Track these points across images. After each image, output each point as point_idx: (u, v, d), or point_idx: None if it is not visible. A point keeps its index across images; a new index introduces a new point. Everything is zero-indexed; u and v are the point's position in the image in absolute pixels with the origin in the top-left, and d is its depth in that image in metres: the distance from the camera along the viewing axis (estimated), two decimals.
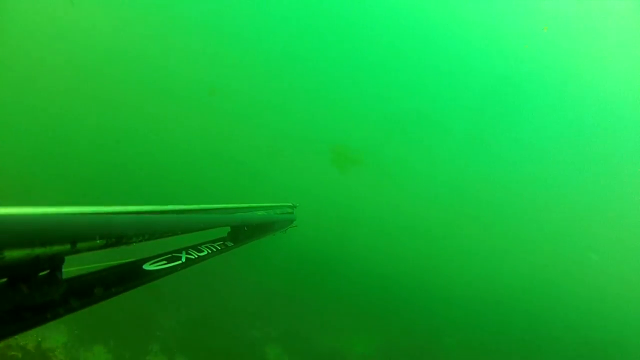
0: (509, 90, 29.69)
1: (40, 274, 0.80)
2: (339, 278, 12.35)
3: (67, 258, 0.84)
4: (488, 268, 19.93)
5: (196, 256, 1.44)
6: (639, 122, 27.17)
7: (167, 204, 1.27)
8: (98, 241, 0.86)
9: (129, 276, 1.11)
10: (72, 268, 0.93)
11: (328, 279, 11.98)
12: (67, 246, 0.78)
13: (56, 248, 0.75)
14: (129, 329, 7.12)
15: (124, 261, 1.17)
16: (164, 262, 1.28)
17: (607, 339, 11.78)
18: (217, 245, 1.68)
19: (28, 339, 5.56)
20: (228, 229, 1.90)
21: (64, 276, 0.88)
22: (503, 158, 29.28)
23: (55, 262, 0.82)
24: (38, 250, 0.71)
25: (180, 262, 1.33)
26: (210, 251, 1.57)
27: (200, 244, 1.59)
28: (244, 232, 1.97)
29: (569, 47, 27.66)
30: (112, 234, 0.91)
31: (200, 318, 8.19)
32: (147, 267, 1.20)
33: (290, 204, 2.68)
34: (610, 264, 21.62)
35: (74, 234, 0.79)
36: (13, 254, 0.65)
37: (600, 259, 21.94)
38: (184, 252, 1.41)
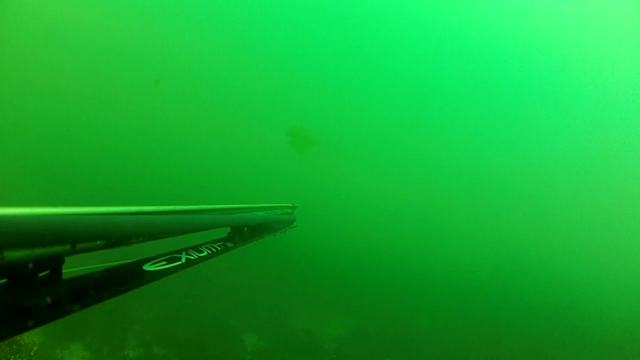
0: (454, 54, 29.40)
1: (40, 274, 0.80)
2: (305, 260, 12.39)
3: (67, 258, 0.84)
4: (458, 246, 20.31)
5: (196, 257, 1.44)
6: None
7: (167, 205, 1.26)
8: (98, 242, 0.86)
9: (129, 276, 1.11)
10: (72, 269, 0.93)
11: (294, 261, 12.05)
12: (67, 247, 0.78)
13: (56, 248, 0.75)
14: (106, 324, 7.09)
15: (124, 262, 1.16)
16: (164, 262, 1.28)
17: (571, 304, 12.24)
18: (217, 245, 1.68)
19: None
20: (228, 229, 1.90)
21: (64, 276, 0.88)
22: (473, 135, 30.11)
23: (55, 262, 0.82)
24: (38, 251, 0.71)
25: (180, 262, 1.33)
26: (210, 252, 1.56)
27: (201, 245, 1.59)
28: (244, 232, 1.97)
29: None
30: (112, 235, 0.90)
31: (176, 308, 8.14)
32: (147, 267, 1.19)
33: (290, 205, 2.68)
34: (572, 243, 22.42)
35: (74, 235, 0.79)
36: (13, 254, 0.65)
37: (564, 237, 22.85)
38: (184, 253, 1.41)
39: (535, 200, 26.41)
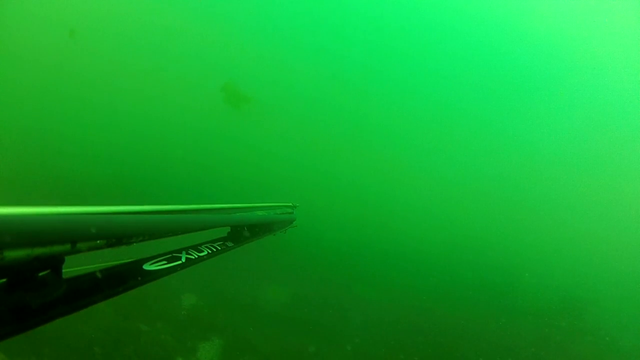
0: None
1: (40, 274, 0.80)
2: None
3: (67, 258, 0.84)
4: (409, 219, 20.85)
5: (196, 256, 1.44)
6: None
7: (167, 204, 1.27)
8: (98, 241, 0.86)
9: (129, 276, 1.11)
10: (72, 268, 0.93)
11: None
12: (67, 246, 0.78)
13: (56, 248, 0.75)
14: None
15: (124, 261, 1.16)
16: (164, 262, 1.28)
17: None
18: (217, 245, 1.68)
19: None
20: (228, 229, 1.90)
21: (64, 276, 0.88)
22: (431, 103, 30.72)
23: (55, 262, 0.82)
24: (38, 250, 0.71)
25: (180, 262, 1.33)
26: (210, 251, 1.56)
27: (200, 244, 1.59)
28: (244, 232, 1.97)
29: None
30: (112, 234, 0.90)
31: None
32: (147, 267, 1.20)
33: (290, 204, 2.68)
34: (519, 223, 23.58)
35: (74, 234, 0.79)
36: (13, 254, 0.65)
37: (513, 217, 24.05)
38: (184, 252, 1.41)
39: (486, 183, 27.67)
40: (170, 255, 1.35)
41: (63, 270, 0.86)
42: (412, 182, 26.45)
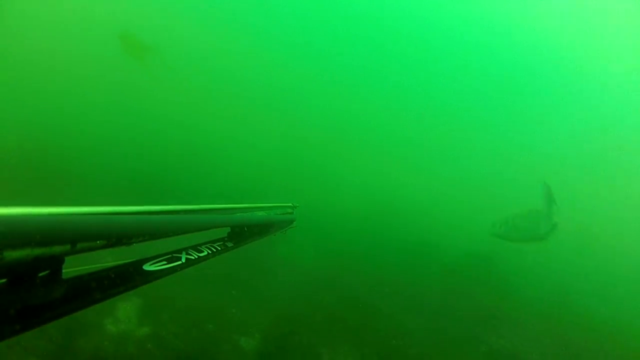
0: None
1: (40, 274, 0.80)
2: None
3: (67, 258, 0.84)
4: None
5: (196, 256, 1.44)
6: None
7: (167, 205, 1.27)
8: (98, 242, 0.86)
9: (129, 276, 1.11)
10: (72, 269, 0.93)
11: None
12: (67, 246, 0.78)
13: (56, 248, 0.75)
14: None
15: (124, 261, 1.17)
16: (164, 262, 1.28)
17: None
18: (217, 245, 1.68)
19: None
20: (228, 229, 1.90)
21: (64, 276, 0.88)
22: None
23: (55, 262, 0.82)
24: (38, 251, 0.71)
25: (180, 262, 1.33)
26: (210, 251, 1.56)
27: (200, 245, 1.59)
28: (244, 232, 1.97)
29: None
30: (112, 234, 0.91)
31: None
32: (147, 267, 1.20)
33: (290, 204, 2.68)
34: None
35: (74, 234, 0.79)
36: (13, 254, 0.65)
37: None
38: (184, 253, 1.41)
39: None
40: (170, 255, 1.35)
41: (63, 271, 0.86)
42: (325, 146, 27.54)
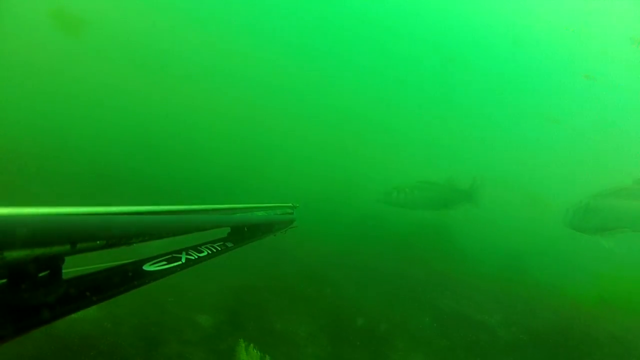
0: None
1: (40, 274, 0.80)
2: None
3: (67, 258, 0.84)
4: None
5: (196, 257, 1.44)
6: None
7: (167, 205, 1.27)
8: (98, 242, 0.86)
9: (129, 276, 1.11)
10: (72, 269, 0.93)
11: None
12: (67, 247, 0.78)
13: (56, 248, 0.75)
14: None
15: (124, 261, 1.16)
16: (164, 262, 1.28)
17: None
18: (217, 245, 1.67)
19: None
20: (228, 229, 1.90)
21: (64, 276, 0.88)
22: None
23: (55, 262, 0.82)
24: (38, 251, 0.71)
25: (180, 262, 1.33)
26: (210, 252, 1.56)
27: (200, 245, 1.59)
28: (244, 232, 1.97)
29: None
30: (113, 235, 0.91)
31: None
32: (147, 267, 1.20)
33: (290, 204, 2.68)
34: None
35: (74, 235, 0.79)
36: (13, 254, 0.65)
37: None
38: (184, 253, 1.41)
39: None
40: (170, 255, 1.35)
41: (63, 271, 0.86)
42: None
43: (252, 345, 4.16)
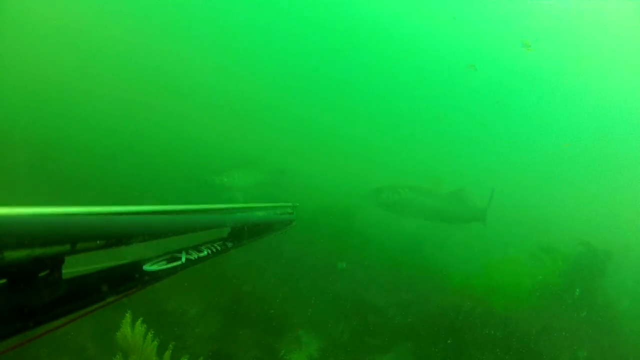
0: None
1: (40, 274, 0.80)
2: None
3: (67, 258, 0.84)
4: None
5: (196, 257, 1.44)
6: None
7: (167, 205, 1.26)
8: (98, 242, 0.86)
9: (129, 277, 1.11)
10: (72, 269, 0.93)
11: None
12: (67, 247, 0.78)
13: (56, 248, 0.75)
14: None
15: (124, 262, 1.16)
16: (164, 262, 1.28)
17: None
18: (217, 245, 1.67)
19: None
20: (228, 229, 1.90)
21: (64, 276, 0.88)
22: None
23: (55, 262, 0.82)
24: (38, 251, 0.71)
25: (180, 262, 1.33)
26: (210, 251, 1.56)
27: (200, 245, 1.58)
28: (244, 232, 1.97)
29: None
30: (112, 235, 0.90)
31: None
32: (147, 267, 1.19)
33: (290, 204, 2.67)
34: None
35: (74, 235, 0.79)
36: (13, 254, 0.65)
37: None
38: (184, 253, 1.41)
39: None
40: (170, 255, 1.35)
41: (63, 271, 0.86)
42: None
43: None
